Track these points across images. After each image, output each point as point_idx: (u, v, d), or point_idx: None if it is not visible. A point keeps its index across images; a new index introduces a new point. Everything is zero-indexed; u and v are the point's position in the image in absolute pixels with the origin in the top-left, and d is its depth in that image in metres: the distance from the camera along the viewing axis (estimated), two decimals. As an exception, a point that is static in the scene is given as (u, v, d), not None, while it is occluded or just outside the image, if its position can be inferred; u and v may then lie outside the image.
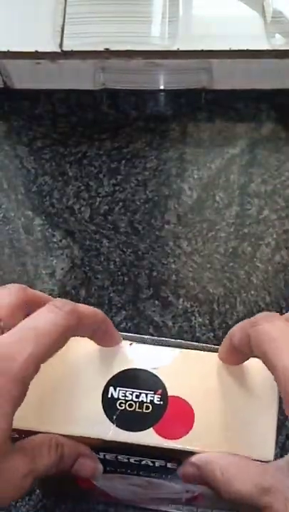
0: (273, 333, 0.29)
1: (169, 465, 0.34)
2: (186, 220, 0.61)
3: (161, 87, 0.66)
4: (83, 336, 0.34)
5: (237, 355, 0.34)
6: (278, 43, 0.61)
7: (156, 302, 0.57)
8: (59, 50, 0.61)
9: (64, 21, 0.62)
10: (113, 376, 0.34)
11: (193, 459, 0.32)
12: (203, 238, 0.60)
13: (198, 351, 0.36)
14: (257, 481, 0.29)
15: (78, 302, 0.32)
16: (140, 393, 0.33)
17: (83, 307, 0.32)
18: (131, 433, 0.32)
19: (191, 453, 0.32)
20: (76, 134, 0.66)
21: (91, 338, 0.34)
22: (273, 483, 0.29)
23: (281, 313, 0.32)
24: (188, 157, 0.64)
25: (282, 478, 0.29)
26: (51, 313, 0.30)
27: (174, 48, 0.61)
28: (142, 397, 0.33)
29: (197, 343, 0.36)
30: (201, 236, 0.60)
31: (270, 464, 0.31)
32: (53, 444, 0.31)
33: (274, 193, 0.62)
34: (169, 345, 0.36)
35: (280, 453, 0.49)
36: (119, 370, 0.34)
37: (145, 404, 0.33)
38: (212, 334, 0.56)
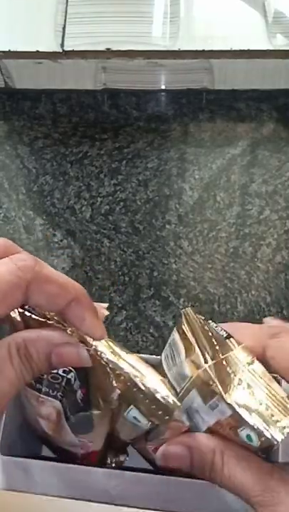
0: None
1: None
2: (187, 220, 0.61)
3: (163, 87, 0.66)
4: (50, 310, 0.29)
5: None
6: (279, 43, 0.61)
7: (157, 302, 0.57)
8: (60, 50, 0.61)
9: (65, 21, 0.62)
10: None
11: (185, 438, 0.31)
12: (204, 238, 0.60)
13: None
14: (262, 477, 0.28)
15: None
16: None
17: (52, 272, 0.27)
18: None
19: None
20: (77, 134, 0.66)
21: (64, 317, 0.29)
22: (280, 484, 0.28)
23: (282, 314, 0.31)
24: (189, 157, 0.64)
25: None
26: (2, 266, 0.27)
27: (175, 48, 0.61)
28: None
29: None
30: (202, 236, 0.60)
31: (276, 464, 0.31)
32: (13, 352, 0.27)
33: (275, 193, 0.62)
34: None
35: None
36: None
37: None
38: (213, 334, 0.56)
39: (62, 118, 0.67)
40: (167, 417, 0.30)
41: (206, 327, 0.33)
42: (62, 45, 0.61)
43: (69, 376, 0.31)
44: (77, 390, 0.32)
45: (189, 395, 0.31)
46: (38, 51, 0.61)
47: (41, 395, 0.32)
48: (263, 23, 0.62)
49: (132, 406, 0.31)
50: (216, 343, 0.32)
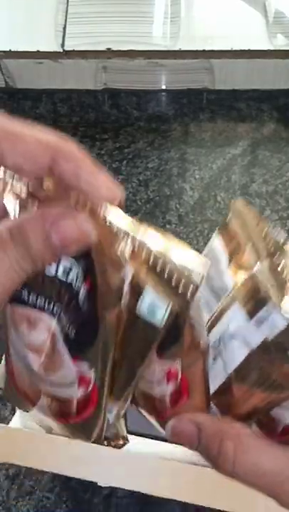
0: None
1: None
2: (187, 220, 0.61)
3: (163, 87, 0.66)
4: (33, 172, 0.23)
5: None
6: (280, 43, 0.61)
7: (158, 302, 0.57)
8: (61, 50, 0.61)
9: (66, 21, 0.62)
10: None
11: (199, 418, 0.27)
12: (204, 238, 0.60)
13: None
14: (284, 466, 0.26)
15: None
16: None
17: (27, 128, 0.23)
18: None
19: None
20: (78, 134, 0.66)
21: (59, 182, 0.24)
22: None
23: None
24: (189, 157, 0.64)
25: None
26: None
27: (176, 48, 0.61)
28: None
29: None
30: (203, 236, 0.60)
31: None
32: (4, 237, 0.23)
33: (275, 193, 0.62)
34: None
35: None
36: None
37: None
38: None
39: (63, 118, 0.67)
40: (192, 287, 0.23)
41: (260, 225, 0.27)
42: (62, 45, 0.61)
43: (69, 279, 0.25)
44: (80, 289, 0.26)
45: (227, 313, 0.26)
46: (38, 51, 0.61)
47: (34, 310, 0.27)
48: (263, 23, 0.62)
49: (146, 287, 0.24)
50: (270, 246, 0.26)
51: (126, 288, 0.24)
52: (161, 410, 0.28)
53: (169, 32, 0.61)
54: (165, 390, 0.28)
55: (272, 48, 0.60)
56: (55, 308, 0.26)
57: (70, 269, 0.25)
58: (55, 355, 0.27)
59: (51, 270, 0.25)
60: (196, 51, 0.61)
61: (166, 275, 0.24)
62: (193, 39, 0.61)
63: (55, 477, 0.52)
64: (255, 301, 0.25)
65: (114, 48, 0.60)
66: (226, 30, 0.62)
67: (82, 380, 0.28)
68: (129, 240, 0.24)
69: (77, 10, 0.63)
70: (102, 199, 0.23)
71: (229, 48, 0.60)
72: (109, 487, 0.50)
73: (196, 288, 0.23)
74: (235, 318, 0.25)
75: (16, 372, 0.30)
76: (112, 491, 0.51)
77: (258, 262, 0.25)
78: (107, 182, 0.23)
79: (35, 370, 0.28)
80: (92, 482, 0.45)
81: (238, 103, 0.66)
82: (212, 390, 0.27)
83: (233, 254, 0.27)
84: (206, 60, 0.61)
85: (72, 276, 0.25)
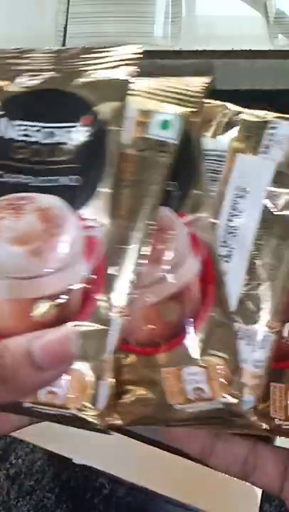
0: None
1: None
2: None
3: (164, 87, 0.66)
4: None
5: None
6: (281, 43, 0.61)
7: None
8: (62, 50, 0.61)
9: (67, 21, 0.62)
10: None
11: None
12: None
13: None
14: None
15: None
16: None
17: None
18: None
19: None
20: (78, 134, 0.66)
21: None
22: None
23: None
24: (190, 157, 0.64)
25: None
26: None
27: (177, 48, 0.61)
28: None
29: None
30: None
31: None
32: None
33: (276, 193, 0.62)
34: None
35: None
36: None
37: None
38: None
39: (64, 118, 0.67)
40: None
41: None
42: (63, 45, 0.61)
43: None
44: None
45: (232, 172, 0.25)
46: (39, 51, 0.61)
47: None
48: (264, 23, 0.62)
49: (153, 110, 0.25)
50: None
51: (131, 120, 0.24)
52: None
53: (169, 32, 0.61)
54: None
55: (273, 49, 0.60)
56: None
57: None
58: None
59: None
60: (197, 51, 0.61)
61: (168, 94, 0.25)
62: (194, 39, 0.61)
63: (56, 477, 0.52)
64: (256, 131, 0.26)
65: (115, 48, 0.61)
66: (226, 30, 0.62)
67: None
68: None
69: (78, 10, 0.63)
70: None
71: (230, 48, 0.60)
72: (110, 487, 0.50)
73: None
74: (244, 166, 0.24)
75: None
76: (112, 490, 0.51)
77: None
78: None
79: None
80: (92, 482, 0.45)
81: (239, 103, 0.66)
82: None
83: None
84: (206, 60, 0.61)
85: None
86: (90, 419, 0.22)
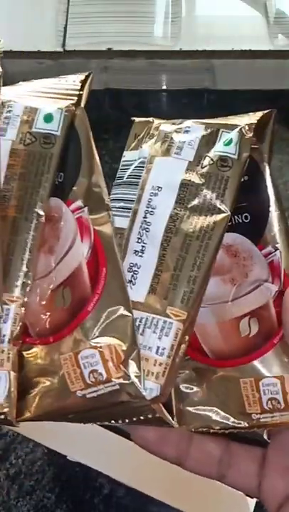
0: None
1: None
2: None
3: (164, 87, 0.66)
4: None
5: None
6: (281, 43, 0.61)
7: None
8: (61, 50, 0.61)
9: (67, 21, 0.62)
10: None
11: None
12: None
13: None
14: None
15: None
16: None
17: None
18: None
19: None
20: (78, 134, 0.66)
21: None
22: None
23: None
24: (190, 157, 0.64)
25: None
26: None
27: (177, 48, 0.61)
28: None
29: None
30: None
31: None
32: None
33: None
34: None
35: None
36: None
37: None
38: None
39: (64, 118, 0.67)
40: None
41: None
42: (63, 45, 0.61)
43: None
44: None
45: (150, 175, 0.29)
46: (39, 51, 0.61)
47: None
48: (264, 23, 0.62)
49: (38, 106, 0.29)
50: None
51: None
52: None
53: (170, 32, 0.61)
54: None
55: (273, 49, 0.60)
56: None
57: None
58: None
59: None
60: (197, 51, 0.61)
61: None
62: (194, 39, 0.61)
63: (56, 477, 0.52)
64: (170, 136, 0.30)
65: (115, 48, 0.61)
66: (226, 30, 0.62)
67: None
68: None
69: (78, 10, 0.63)
70: None
71: (230, 49, 0.60)
72: (110, 487, 0.50)
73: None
74: (159, 168, 0.29)
75: None
76: (112, 490, 0.51)
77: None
78: None
79: None
80: (92, 482, 0.45)
81: (239, 103, 0.66)
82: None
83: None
84: (206, 60, 0.61)
85: None
86: None
